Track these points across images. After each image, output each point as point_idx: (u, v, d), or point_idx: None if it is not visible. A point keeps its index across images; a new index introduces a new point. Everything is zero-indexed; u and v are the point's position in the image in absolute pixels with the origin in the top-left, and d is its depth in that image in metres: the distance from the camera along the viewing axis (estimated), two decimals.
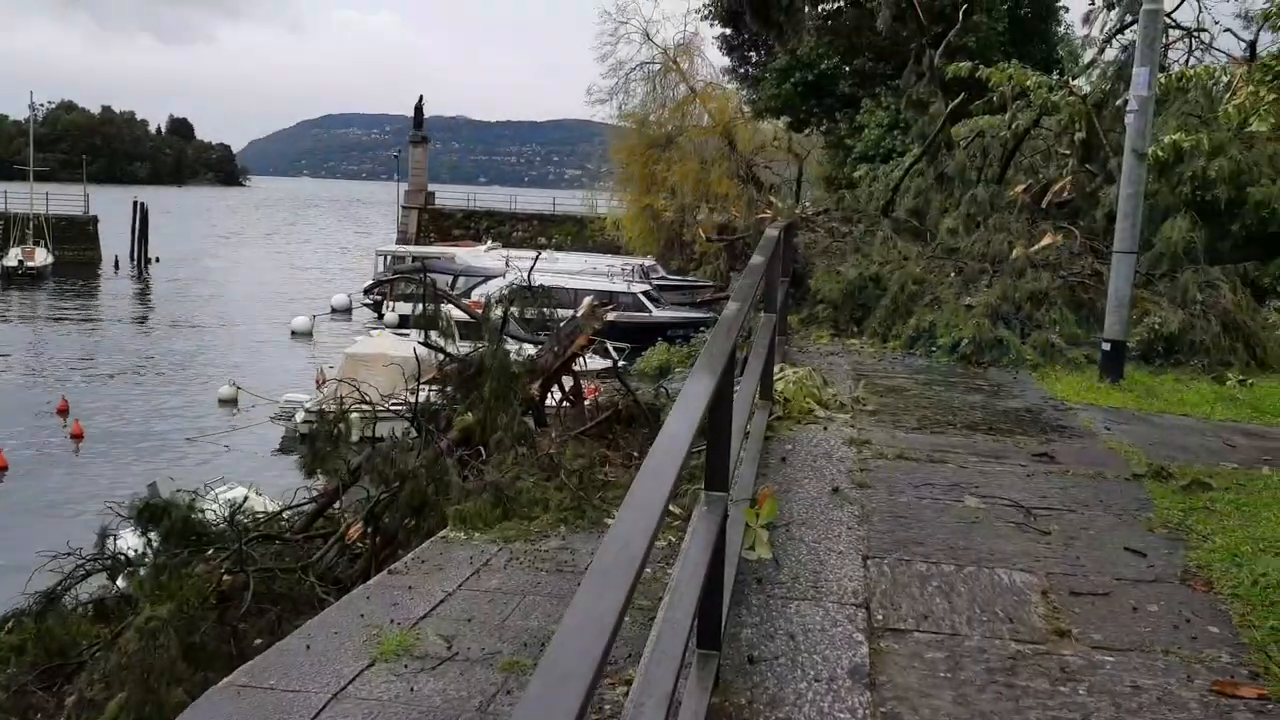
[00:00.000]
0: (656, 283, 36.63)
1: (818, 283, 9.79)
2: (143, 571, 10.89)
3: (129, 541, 11.87)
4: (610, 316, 30.31)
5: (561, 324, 12.87)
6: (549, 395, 12.79)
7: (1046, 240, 9.92)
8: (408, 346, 14.17)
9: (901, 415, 6.20)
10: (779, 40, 32.24)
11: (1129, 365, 7.79)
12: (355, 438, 13.18)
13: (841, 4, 33.74)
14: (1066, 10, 34.41)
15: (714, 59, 36.10)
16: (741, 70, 36.26)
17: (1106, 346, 7.46)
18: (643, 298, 32.98)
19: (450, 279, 32.72)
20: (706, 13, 33.84)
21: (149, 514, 10.71)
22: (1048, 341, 8.14)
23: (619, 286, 33.27)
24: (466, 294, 29.04)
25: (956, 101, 13.75)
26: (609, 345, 18.80)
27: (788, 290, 8.67)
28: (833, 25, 33.82)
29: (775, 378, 6.01)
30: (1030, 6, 33.34)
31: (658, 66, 37.94)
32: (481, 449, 11.50)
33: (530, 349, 13.07)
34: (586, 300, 14.85)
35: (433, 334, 12.42)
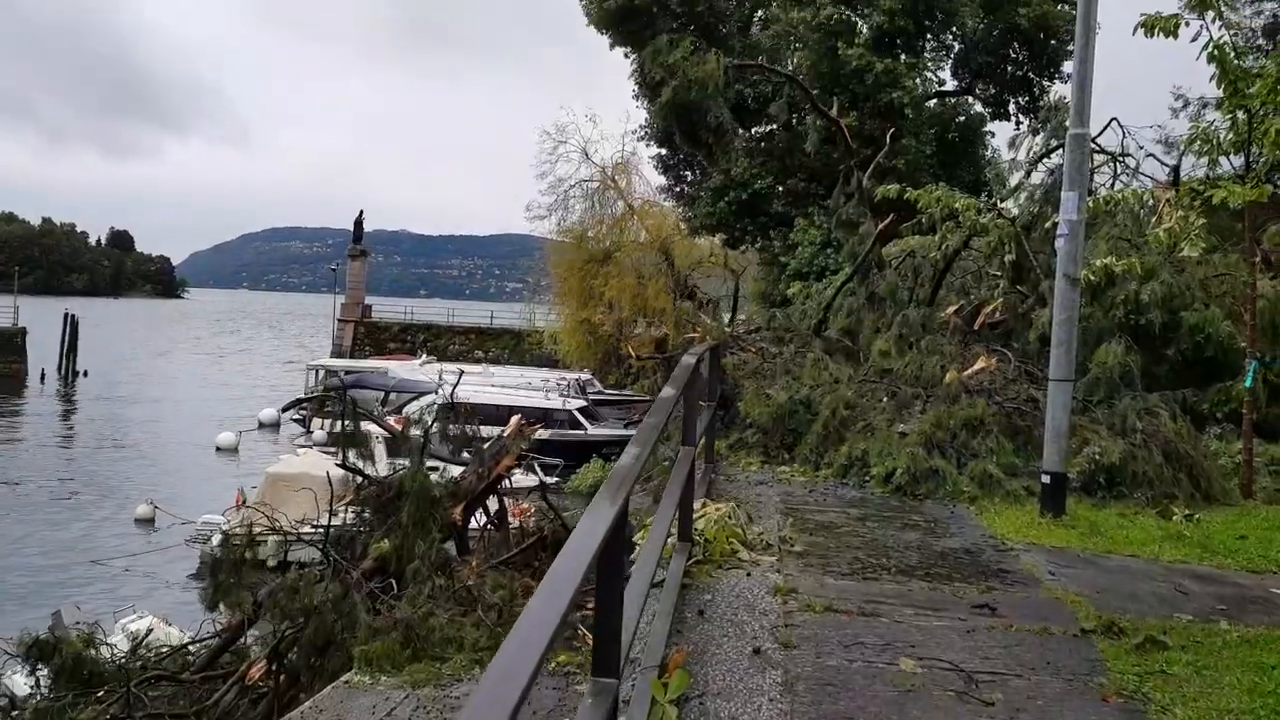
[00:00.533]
0: (593, 397, 36.17)
1: (747, 406, 9.33)
2: (26, 716, 9.65)
3: (19, 681, 10.63)
4: (544, 434, 29.59)
5: (488, 444, 12.22)
6: (473, 519, 12.01)
7: (980, 364, 9.64)
8: (332, 466, 13.31)
9: (832, 557, 5.63)
10: (709, 160, 32.88)
11: (1071, 498, 7.39)
12: (273, 563, 12.22)
13: (774, 127, 34.69)
14: (992, 135, 35.81)
15: (651, 178, 36.63)
16: (678, 189, 36.86)
17: (1046, 479, 7.05)
18: (578, 414, 32.42)
19: (382, 394, 31.86)
20: (643, 134, 34.50)
21: (39, 651, 9.56)
22: (985, 472, 7.72)
23: (554, 402, 32.71)
24: (399, 409, 28.19)
25: (886, 222, 13.73)
26: (537, 466, 18.09)
27: (714, 415, 8.19)
28: (765, 147, 34.68)
29: (696, 515, 5.44)
30: (957, 131, 34.61)
31: (596, 184, 38.28)
32: (396, 580, 10.61)
33: (456, 469, 12.35)
34: (514, 419, 14.22)
35: (351, 454, 11.65)
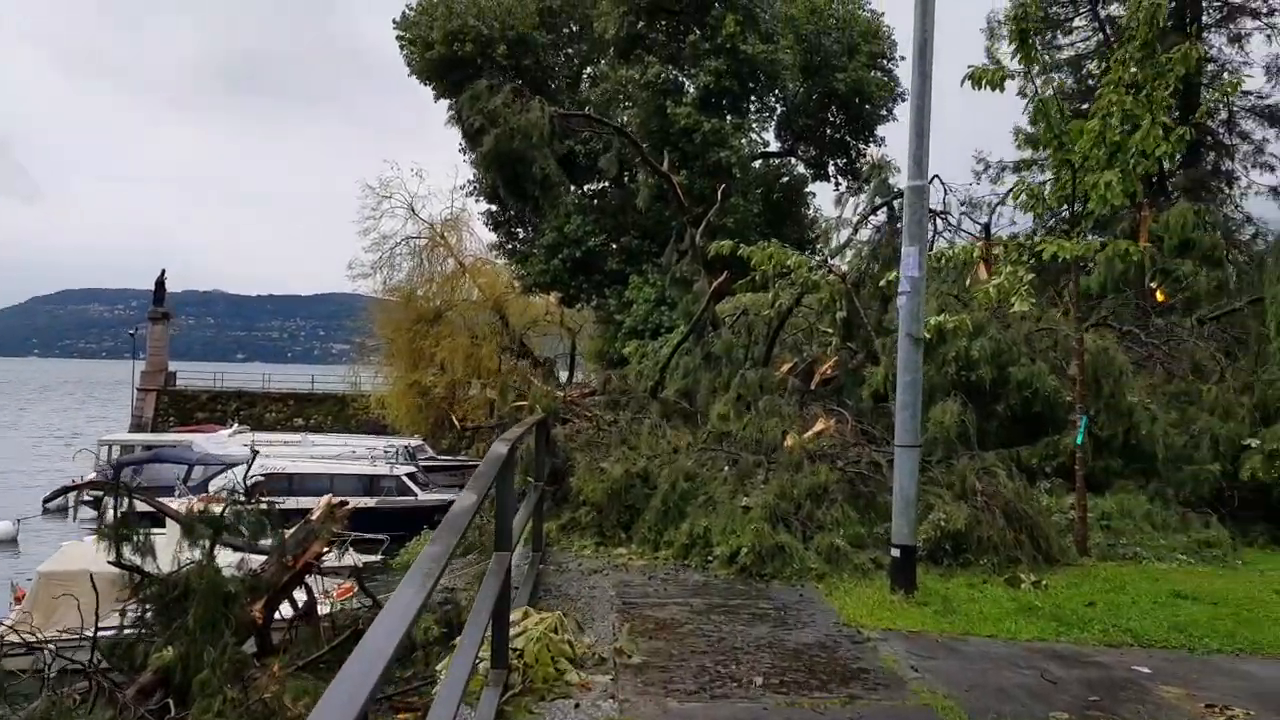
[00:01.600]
0: (424, 463, 34.47)
1: (580, 482, 8.57)
2: None
3: None
4: (370, 502, 27.54)
5: (293, 528, 10.89)
6: (278, 612, 10.64)
7: (819, 426, 9.27)
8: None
9: (675, 669, 4.89)
10: (536, 214, 32.37)
11: (918, 567, 6.98)
12: (53, 674, 10.42)
13: (606, 184, 34.64)
14: (814, 195, 37.10)
15: (482, 235, 35.79)
16: (509, 246, 36.14)
17: (896, 553, 6.61)
18: (407, 480, 30.72)
19: (185, 469, 29.04)
20: (471, 189, 33.70)
21: None
22: (832, 546, 7.23)
23: (381, 470, 30.88)
24: (204, 485, 25.80)
25: (720, 279, 13.42)
26: (353, 549, 16.59)
27: (542, 498, 7.37)
28: (599, 204, 34.56)
29: (515, 632, 4.59)
30: (782, 191, 35.56)
31: (425, 241, 37.01)
32: (180, 695, 9.14)
33: (259, 558, 10.92)
34: (323, 499, 12.88)
35: (126, 549, 10.09)
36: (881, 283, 9.14)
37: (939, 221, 13.19)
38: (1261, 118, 27.13)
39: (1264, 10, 25.81)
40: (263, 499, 12.60)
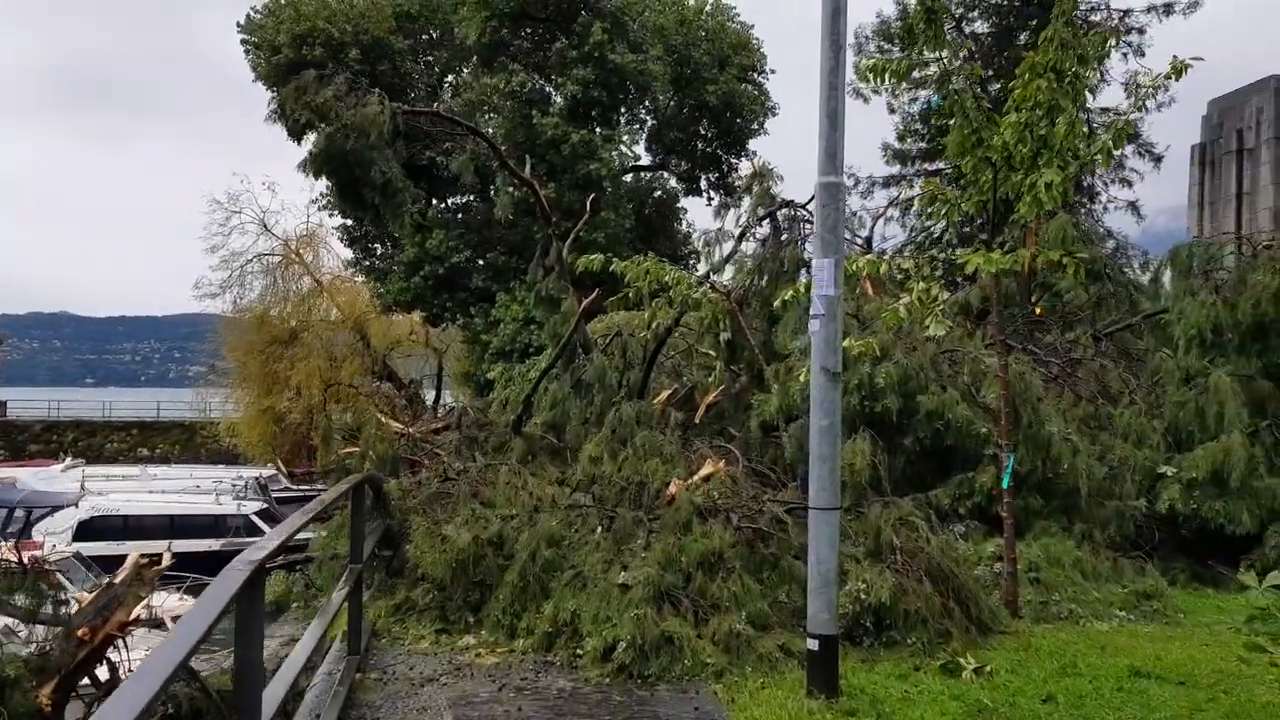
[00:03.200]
0: (277, 496, 31.61)
1: (418, 550, 6.88)
2: None
3: None
4: (215, 545, 24.61)
5: (91, 595, 8.86)
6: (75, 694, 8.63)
7: (707, 469, 7.86)
8: None
9: None
10: (375, 224, 30.23)
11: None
12: None
13: (470, 198, 32.81)
14: (686, 211, 36.12)
15: (341, 251, 33.38)
16: (367, 263, 33.84)
17: (813, 644, 5.19)
18: (256, 518, 27.95)
19: (5, 511, 25.54)
20: (326, 202, 31.31)
21: None
22: (731, 631, 5.78)
23: (227, 507, 27.99)
24: (27, 528, 22.53)
25: (591, 298, 11.94)
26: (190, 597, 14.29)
27: (359, 582, 5.66)
28: (463, 219, 32.67)
29: None
30: (654, 206, 34.48)
31: (278, 258, 34.26)
32: None
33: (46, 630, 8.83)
34: (131, 556, 10.73)
35: None
36: (776, 302, 7.83)
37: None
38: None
39: (1122, 29, 26.23)
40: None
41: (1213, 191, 27.32)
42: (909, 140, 34.54)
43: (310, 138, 29.02)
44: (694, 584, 6.07)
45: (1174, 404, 10.72)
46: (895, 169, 34.93)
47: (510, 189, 26.63)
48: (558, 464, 10.64)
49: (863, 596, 6.03)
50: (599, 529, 6.85)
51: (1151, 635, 6.90)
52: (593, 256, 11.15)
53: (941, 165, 38.29)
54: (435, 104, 32.09)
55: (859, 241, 15.66)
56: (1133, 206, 28.99)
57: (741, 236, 12.30)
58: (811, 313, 5.22)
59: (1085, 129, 7.01)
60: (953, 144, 6.85)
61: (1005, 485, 7.20)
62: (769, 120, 34.51)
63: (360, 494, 5.80)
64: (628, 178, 34.60)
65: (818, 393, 5.16)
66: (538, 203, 13.13)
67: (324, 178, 20.06)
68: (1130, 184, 28.79)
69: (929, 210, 7.37)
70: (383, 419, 11.38)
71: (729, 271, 12.74)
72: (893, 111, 33.31)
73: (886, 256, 7.93)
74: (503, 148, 29.11)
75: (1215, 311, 10.75)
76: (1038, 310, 15.01)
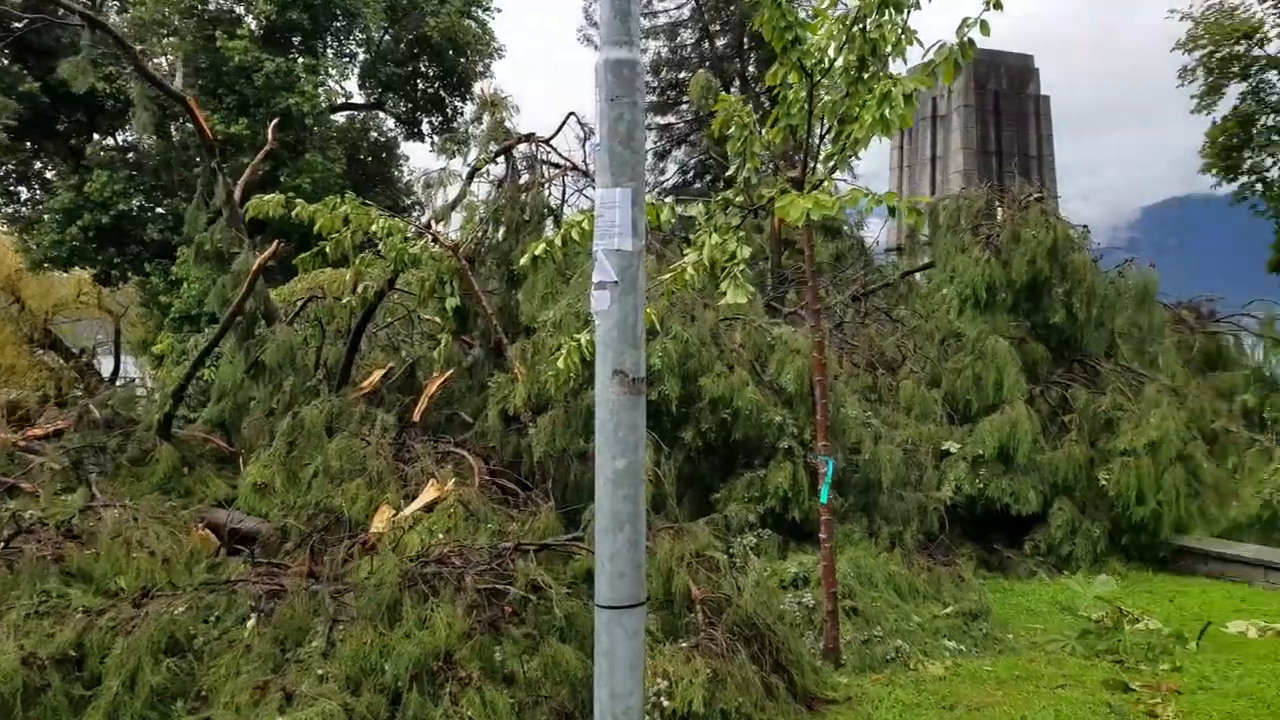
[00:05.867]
0: None
1: None
2: None
3: None
4: None
5: None
6: None
7: (429, 495, 5.63)
8: None
9: None
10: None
11: None
12: None
13: (145, 135, 27.71)
14: (408, 158, 32.71)
15: None
16: (9, 209, 27.83)
17: None
18: None
19: None
20: None
21: None
22: None
23: None
24: None
25: (270, 252, 9.17)
26: None
27: None
28: (134, 158, 27.56)
29: None
30: (370, 151, 30.95)
31: None
32: None
33: None
34: None
35: None
36: (523, 259, 5.67)
37: (567, 179, 10.03)
38: None
39: None
40: None
41: (910, 155, 28.19)
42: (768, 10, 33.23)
43: None
44: (406, 712, 3.86)
45: (951, 371, 9.76)
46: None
47: (146, 98, 22.01)
48: (227, 477, 7.94)
49: (665, 703, 4.10)
50: (252, 620, 4.43)
51: (996, 678, 5.55)
52: (268, 197, 8.44)
53: (673, 119, 37.58)
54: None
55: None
56: (854, 175, 29.42)
57: (471, 177, 9.97)
58: (595, 279, 3.12)
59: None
60: (765, 26, 4.98)
61: (824, 500, 5.55)
62: (496, 63, 31.93)
63: None
64: (338, 118, 30.77)
65: (608, 413, 3.10)
66: (196, 126, 10.05)
67: None
68: None
69: (729, 135, 5.48)
70: None
71: (457, 221, 10.38)
72: None
73: (665, 198, 6.06)
74: (186, 76, 24.63)
75: (990, 269, 9.87)
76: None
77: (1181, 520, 8.91)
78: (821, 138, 5.40)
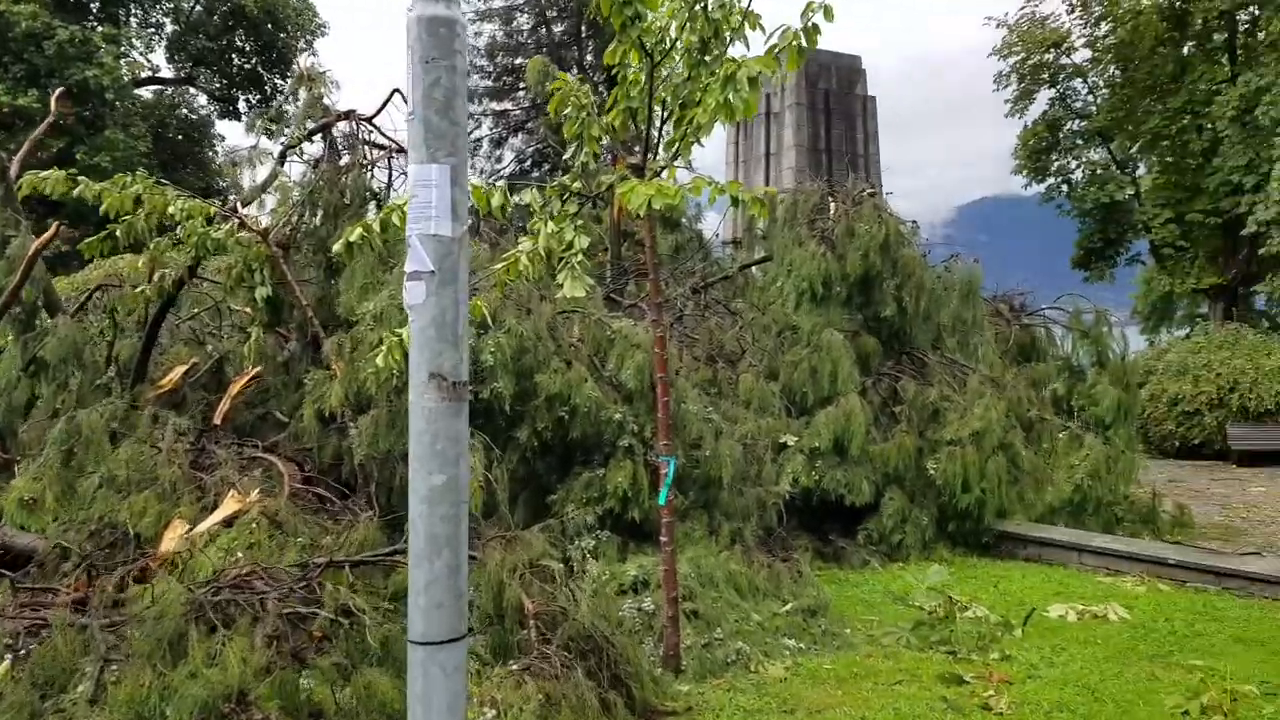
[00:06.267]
0: None
1: None
2: None
3: None
4: None
5: None
6: None
7: (229, 508, 5.03)
8: None
9: None
10: None
11: None
12: None
13: None
14: (223, 139, 30.66)
15: None
16: None
17: None
18: None
19: None
20: None
21: None
22: None
23: None
24: None
25: (50, 235, 8.14)
26: None
27: None
28: None
29: None
30: (180, 129, 28.84)
31: None
32: None
33: None
34: None
35: None
36: (337, 246, 5.13)
37: (394, 162, 9.42)
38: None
39: None
40: None
41: (746, 150, 28.74)
42: (473, 76, 32.68)
43: None
44: None
45: (788, 364, 9.79)
46: (474, 107, 32.88)
47: None
48: (3, 487, 6.96)
49: None
50: (7, 659, 3.76)
51: (836, 676, 5.46)
52: (47, 174, 7.49)
53: (509, 106, 36.86)
54: None
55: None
56: (690, 166, 29.63)
57: (284, 157, 9.19)
58: (408, 268, 2.72)
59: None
60: (604, 5, 4.65)
61: (663, 501, 5.30)
62: (321, 41, 30.35)
63: None
64: (144, 92, 28.52)
65: (423, 422, 2.70)
66: None
67: None
68: None
69: (564, 117, 5.13)
70: None
71: (271, 204, 9.58)
72: None
73: (497, 183, 5.61)
74: None
75: (826, 263, 9.96)
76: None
77: (1003, 506, 9.26)
78: (663, 122, 5.13)
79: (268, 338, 8.77)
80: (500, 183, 5.19)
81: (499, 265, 5.21)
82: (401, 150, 9.27)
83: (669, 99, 5.03)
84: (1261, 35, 21.96)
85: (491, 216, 5.11)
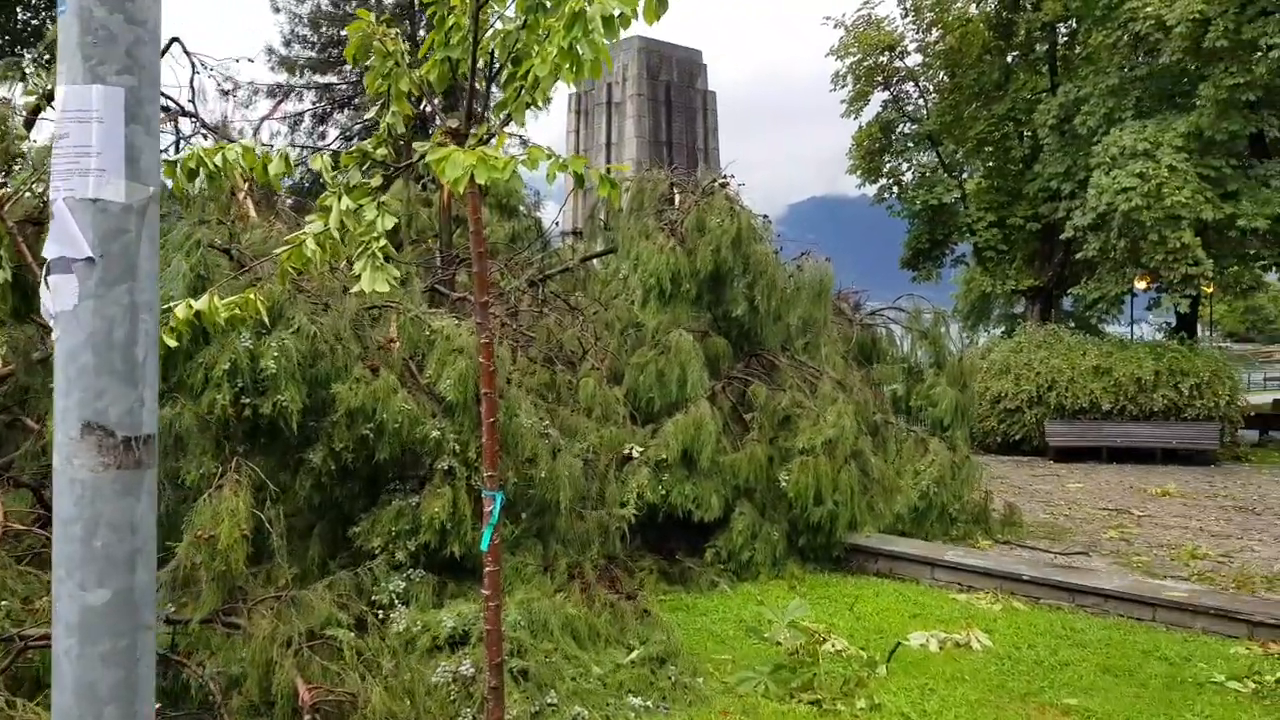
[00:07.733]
0: None
1: None
2: None
3: None
4: None
5: None
6: None
7: None
8: None
9: None
10: None
11: None
12: None
13: None
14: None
15: None
16: None
17: None
18: None
19: None
20: None
21: None
22: None
23: None
24: None
25: None
26: None
27: None
28: None
29: None
30: None
31: None
32: None
33: None
34: None
35: None
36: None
37: (186, 125, 8.01)
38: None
39: None
40: None
41: (587, 139, 28.03)
42: (295, 46, 30.51)
43: None
44: None
45: (634, 367, 8.99)
46: (282, 77, 30.55)
47: None
48: None
49: None
50: None
51: None
52: None
53: (335, 79, 34.54)
54: None
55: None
56: (523, 144, 28.58)
57: (32, 122, 7.57)
58: (50, 251, 1.66)
59: None
60: None
61: (485, 545, 4.32)
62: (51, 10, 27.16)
63: None
64: None
65: (74, 505, 1.64)
66: None
67: None
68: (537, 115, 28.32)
69: (364, 67, 4.07)
70: None
71: (13, 170, 7.92)
72: (278, 10, 28.90)
73: (283, 149, 4.50)
74: None
75: (675, 258, 9.20)
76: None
77: (855, 518, 8.78)
78: (490, 79, 4.16)
79: (18, 330, 7.21)
80: (282, 146, 4.08)
81: (280, 250, 4.10)
82: (185, 114, 7.87)
83: (498, 50, 4.05)
84: (1078, 49, 22.95)
85: (270, 188, 4.00)
